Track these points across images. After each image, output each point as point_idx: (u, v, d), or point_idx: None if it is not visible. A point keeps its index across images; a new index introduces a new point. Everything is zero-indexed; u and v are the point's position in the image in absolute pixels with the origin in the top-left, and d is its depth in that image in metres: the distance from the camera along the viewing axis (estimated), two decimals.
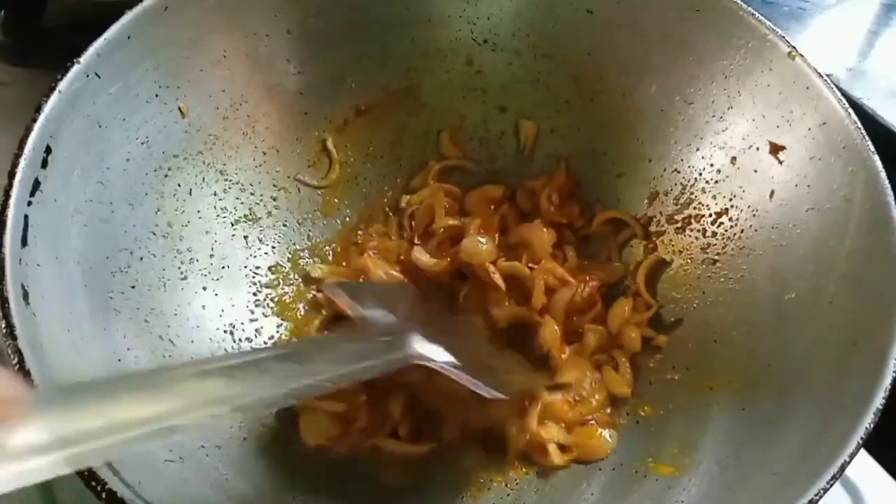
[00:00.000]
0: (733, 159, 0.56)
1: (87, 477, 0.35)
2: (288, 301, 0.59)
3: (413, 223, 0.63)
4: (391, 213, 0.64)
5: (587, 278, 0.59)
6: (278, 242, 0.60)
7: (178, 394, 0.32)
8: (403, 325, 0.49)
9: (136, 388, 0.31)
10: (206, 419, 0.32)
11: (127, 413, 0.29)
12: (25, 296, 0.39)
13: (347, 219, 0.63)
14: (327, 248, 0.62)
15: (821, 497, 0.38)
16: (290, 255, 0.60)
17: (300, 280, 0.60)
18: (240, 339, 0.55)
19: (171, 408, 0.31)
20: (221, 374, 0.34)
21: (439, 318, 0.57)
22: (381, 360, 0.45)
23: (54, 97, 0.43)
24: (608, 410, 0.56)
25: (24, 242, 0.40)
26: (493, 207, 0.64)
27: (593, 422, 0.55)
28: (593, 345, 0.58)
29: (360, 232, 0.63)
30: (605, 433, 0.54)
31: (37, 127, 0.42)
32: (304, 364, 0.39)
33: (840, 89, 0.51)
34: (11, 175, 0.41)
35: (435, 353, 0.47)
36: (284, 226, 0.60)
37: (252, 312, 0.57)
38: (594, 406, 0.55)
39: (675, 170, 0.59)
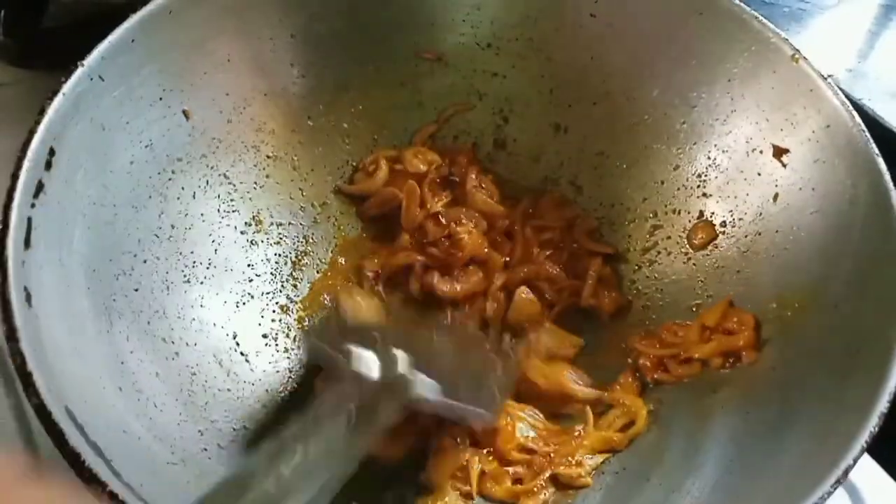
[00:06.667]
0: (737, 163, 0.56)
1: (88, 478, 0.34)
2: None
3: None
4: None
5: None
6: (282, 247, 0.60)
7: None
8: (392, 370, 0.46)
9: None
10: None
11: None
12: (28, 298, 0.38)
13: (350, 226, 0.63)
14: (330, 252, 0.62)
15: (824, 501, 0.38)
16: (293, 260, 0.60)
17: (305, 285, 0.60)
18: (242, 344, 0.55)
19: None
20: None
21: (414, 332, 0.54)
22: (382, 416, 0.44)
23: (58, 99, 0.43)
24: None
25: (27, 244, 0.40)
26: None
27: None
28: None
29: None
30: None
31: (40, 129, 0.42)
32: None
33: (841, 90, 0.51)
34: (15, 177, 0.41)
35: (428, 390, 0.46)
36: (288, 231, 0.60)
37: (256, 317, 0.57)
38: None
39: (678, 173, 0.59)
